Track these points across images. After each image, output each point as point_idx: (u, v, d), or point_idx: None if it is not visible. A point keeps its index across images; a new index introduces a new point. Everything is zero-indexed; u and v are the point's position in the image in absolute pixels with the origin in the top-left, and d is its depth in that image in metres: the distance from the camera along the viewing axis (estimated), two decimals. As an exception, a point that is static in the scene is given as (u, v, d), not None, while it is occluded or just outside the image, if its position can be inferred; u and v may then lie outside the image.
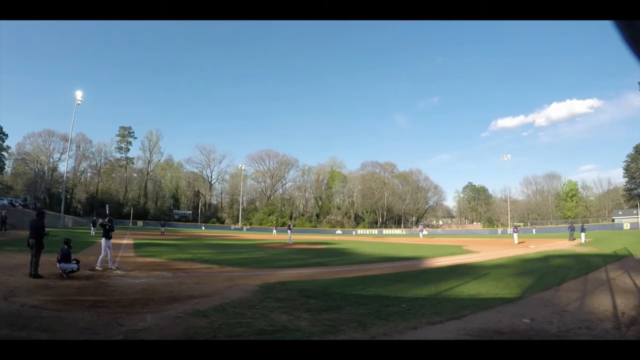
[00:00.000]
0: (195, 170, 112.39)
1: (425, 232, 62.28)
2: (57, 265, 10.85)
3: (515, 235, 33.53)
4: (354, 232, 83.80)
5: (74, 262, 11.17)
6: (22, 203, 56.50)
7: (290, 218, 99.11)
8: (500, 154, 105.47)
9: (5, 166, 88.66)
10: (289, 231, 37.10)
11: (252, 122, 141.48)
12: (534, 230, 57.86)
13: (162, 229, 50.04)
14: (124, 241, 28.65)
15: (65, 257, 11.06)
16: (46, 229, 11.31)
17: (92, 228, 38.90)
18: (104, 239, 13.15)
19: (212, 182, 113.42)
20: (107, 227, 13.36)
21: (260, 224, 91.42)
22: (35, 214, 11.81)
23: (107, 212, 15.44)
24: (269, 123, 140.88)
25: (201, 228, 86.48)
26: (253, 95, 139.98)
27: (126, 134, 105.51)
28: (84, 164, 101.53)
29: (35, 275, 10.25)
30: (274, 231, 60.49)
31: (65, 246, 11.39)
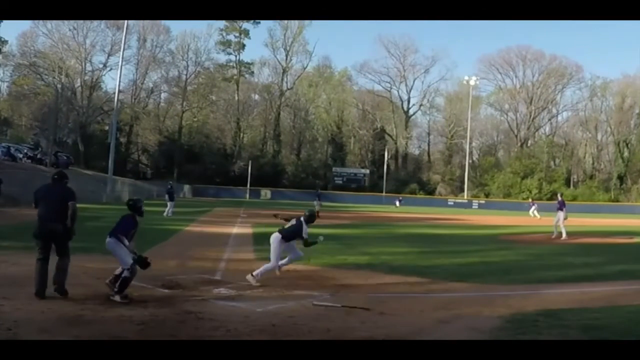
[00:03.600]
0: (378, 87, 64.85)
1: None
2: (108, 239, 6.19)
3: None
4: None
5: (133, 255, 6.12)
6: (29, 154, 33.69)
7: (567, 183, 63.00)
8: None
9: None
10: (560, 212, 17.89)
11: None
12: None
13: (317, 203, 27.57)
14: (235, 230, 18.15)
15: (124, 228, 6.22)
16: (73, 203, 6.03)
17: (169, 203, 22.68)
18: (278, 236, 7.78)
19: (411, 113, 67.64)
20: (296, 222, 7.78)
21: (507, 196, 58.95)
22: (52, 176, 6.46)
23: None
24: None
25: (394, 204, 50.58)
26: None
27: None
28: (154, 76, 56.27)
29: (60, 289, 5.94)
30: (532, 209, 35.04)
31: (131, 212, 6.41)
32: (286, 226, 7.97)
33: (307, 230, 7.83)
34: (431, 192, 65.26)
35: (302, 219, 7.86)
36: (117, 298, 5.99)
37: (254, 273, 7.51)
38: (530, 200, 43.05)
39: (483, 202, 60.37)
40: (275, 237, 7.79)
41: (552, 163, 71.71)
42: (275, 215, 8.69)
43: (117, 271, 6.15)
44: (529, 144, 72.93)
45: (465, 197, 61.85)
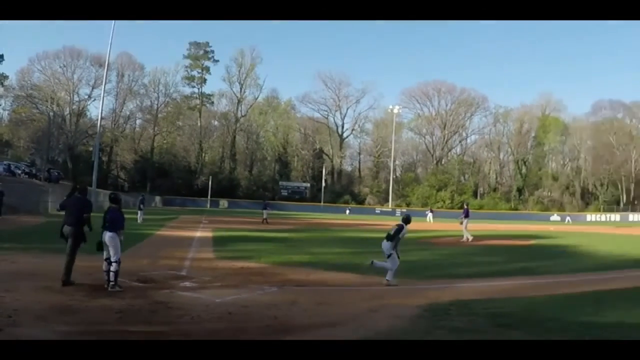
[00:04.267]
0: (317, 115, 73.46)
1: None
2: (109, 233, 7.23)
3: None
4: (581, 219, 57.51)
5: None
6: (26, 170, 39.54)
7: (475, 195, 69.28)
8: None
9: (-1, 108, 57.06)
10: (464, 219, 20.53)
11: (408, 37, 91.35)
12: None
13: (266, 211, 30.23)
14: (197, 233, 20.07)
15: (122, 224, 7.46)
16: (87, 215, 7.58)
17: (139, 212, 25.10)
18: (386, 242, 8.70)
19: (345, 136, 75.65)
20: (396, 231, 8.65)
21: (425, 205, 62.01)
22: (77, 188, 8.06)
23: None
24: (436, 37, 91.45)
25: (345, 212, 58.47)
26: None
27: (201, 54, 67.87)
28: (130, 105, 66.01)
29: (66, 282, 7.16)
30: (429, 216, 42.90)
31: (114, 205, 7.61)
32: (391, 232, 8.77)
33: (406, 230, 8.87)
34: (361, 202, 71.98)
35: (401, 222, 8.88)
36: (117, 289, 7.07)
37: (387, 279, 8.44)
38: (429, 208, 50.36)
39: (405, 210, 65.25)
40: (385, 243, 8.69)
41: (462, 178, 79.29)
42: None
43: (106, 268, 7.16)
44: (443, 162, 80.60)
45: (390, 206, 67.67)
